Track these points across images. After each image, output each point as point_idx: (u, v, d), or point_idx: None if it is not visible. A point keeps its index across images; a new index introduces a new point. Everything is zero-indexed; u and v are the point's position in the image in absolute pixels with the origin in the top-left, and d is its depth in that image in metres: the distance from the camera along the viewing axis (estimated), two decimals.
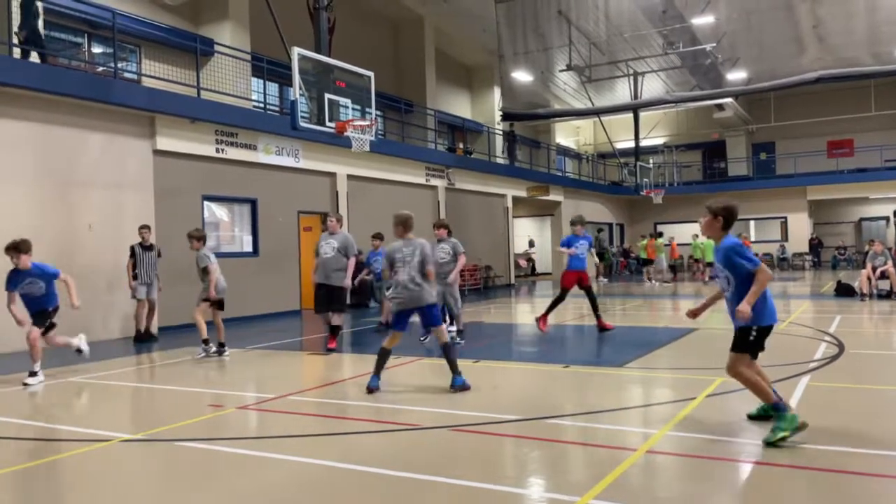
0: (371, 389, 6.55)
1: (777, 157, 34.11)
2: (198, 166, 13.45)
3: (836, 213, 33.34)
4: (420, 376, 7.85)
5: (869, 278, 15.23)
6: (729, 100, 28.39)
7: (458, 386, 6.50)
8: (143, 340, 11.00)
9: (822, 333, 9.93)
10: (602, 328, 10.60)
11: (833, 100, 31.00)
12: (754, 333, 4.69)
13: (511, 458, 4.82)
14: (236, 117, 13.82)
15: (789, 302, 16.07)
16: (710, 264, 23.67)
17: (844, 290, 16.12)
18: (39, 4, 11.09)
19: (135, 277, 10.98)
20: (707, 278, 23.30)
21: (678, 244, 25.70)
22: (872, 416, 5.59)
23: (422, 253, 6.60)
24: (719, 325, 10.87)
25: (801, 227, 31.57)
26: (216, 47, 15.24)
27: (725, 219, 4.76)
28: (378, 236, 11.97)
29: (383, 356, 6.64)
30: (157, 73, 14.03)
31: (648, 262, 24.97)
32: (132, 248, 11.04)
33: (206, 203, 13.88)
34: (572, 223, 10.90)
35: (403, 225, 6.74)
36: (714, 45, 20.22)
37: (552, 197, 27.11)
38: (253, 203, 14.83)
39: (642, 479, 4.21)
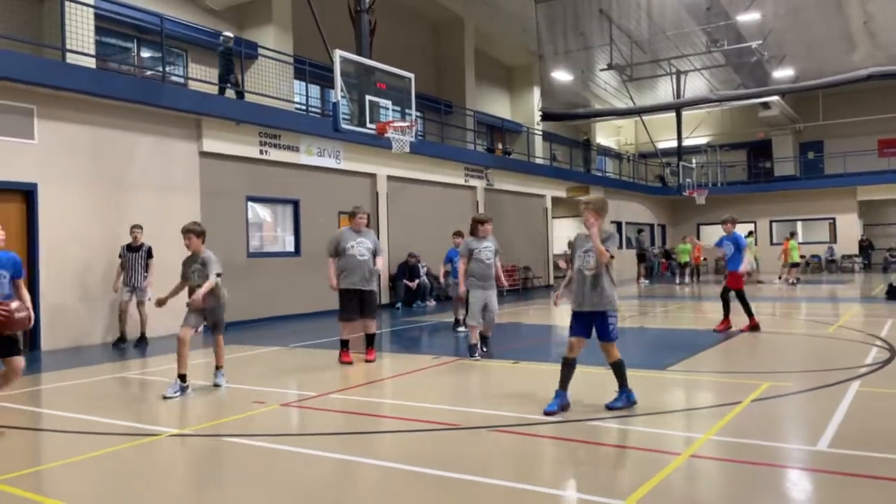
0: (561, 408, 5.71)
1: (825, 156, 33.23)
2: (242, 167, 13.72)
3: (887, 214, 32.31)
4: (459, 376, 7.88)
5: None
6: (775, 98, 27.74)
7: (619, 406, 5.80)
8: (121, 346, 10.54)
9: (872, 338, 9.66)
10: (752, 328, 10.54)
11: (884, 97, 30.04)
12: None
13: (551, 460, 4.81)
14: (279, 119, 14.05)
15: (838, 305, 15.65)
16: (795, 265, 22.92)
17: None
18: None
19: (123, 280, 10.66)
20: (795, 279, 22.57)
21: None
22: None
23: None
24: (765, 327, 10.66)
25: (850, 229, 30.69)
26: (260, 51, 15.51)
27: None
28: (459, 234, 11.48)
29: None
30: (203, 77, 14.34)
31: (687, 265, 24.89)
32: (120, 249, 10.76)
33: (249, 204, 14.14)
34: (722, 222, 10.90)
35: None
36: (760, 42, 19.82)
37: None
38: (295, 204, 15.06)
39: (686, 484, 4.16)
